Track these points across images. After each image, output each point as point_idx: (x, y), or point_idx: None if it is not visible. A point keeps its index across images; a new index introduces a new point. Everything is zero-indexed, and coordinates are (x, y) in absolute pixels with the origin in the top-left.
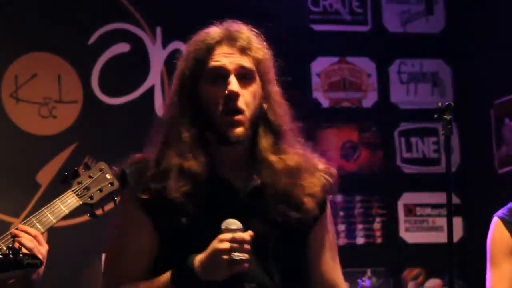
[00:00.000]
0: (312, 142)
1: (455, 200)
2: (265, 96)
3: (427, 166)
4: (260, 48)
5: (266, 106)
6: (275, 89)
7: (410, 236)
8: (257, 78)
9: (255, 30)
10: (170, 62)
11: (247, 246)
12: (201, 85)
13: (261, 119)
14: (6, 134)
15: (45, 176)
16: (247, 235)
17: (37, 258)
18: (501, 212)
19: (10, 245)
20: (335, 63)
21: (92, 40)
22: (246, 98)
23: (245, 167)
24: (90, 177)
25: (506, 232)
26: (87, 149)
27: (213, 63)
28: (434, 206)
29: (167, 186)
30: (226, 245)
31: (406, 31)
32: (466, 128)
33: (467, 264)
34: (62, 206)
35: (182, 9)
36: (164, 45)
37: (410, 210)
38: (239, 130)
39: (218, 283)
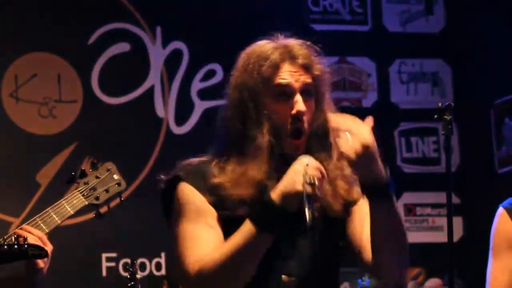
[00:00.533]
0: None
1: (455, 200)
2: (319, 112)
3: (427, 166)
4: (320, 65)
5: (320, 121)
6: (329, 104)
7: (410, 235)
8: (314, 94)
9: (310, 44)
10: (170, 62)
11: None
12: (263, 99)
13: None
14: (6, 134)
15: (45, 175)
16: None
17: (42, 249)
18: (507, 202)
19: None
20: (335, 63)
21: (92, 40)
22: (307, 115)
23: None
24: (97, 177)
25: (510, 223)
26: (87, 148)
27: (280, 80)
28: (434, 206)
29: (228, 187)
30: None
31: (406, 31)
32: (466, 128)
33: (467, 263)
34: (67, 207)
35: (182, 9)
36: (164, 45)
37: (410, 209)
38: (298, 152)
39: (260, 278)
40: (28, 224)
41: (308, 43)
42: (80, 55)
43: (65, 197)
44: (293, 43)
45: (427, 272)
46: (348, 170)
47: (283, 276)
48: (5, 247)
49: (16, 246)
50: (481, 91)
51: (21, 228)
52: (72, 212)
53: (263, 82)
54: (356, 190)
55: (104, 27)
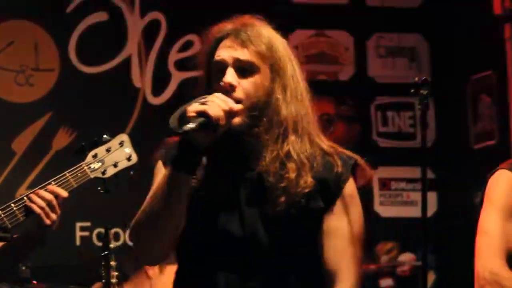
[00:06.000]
0: None
1: (430, 175)
2: (277, 88)
3: (402, 141)
4: (264, 40)
5: (278, 97)
6: (291, 82)
7: (384, 210)
8: (263, 70)
9: (264, 22)
10: (147, 32)
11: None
12: (210, 79)
13: (269, 110)
14: None
15: (21, 143)
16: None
17: (8, 232)
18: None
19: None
20: (313, 35)
21: (70, 8)
22: (246, 88)
23: (251, 156)
24: (108, 150)
25: None
26: (63, 117)
27: (216, 58)
28: (409, 180)
29: None
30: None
31: (384, 5)
32: (443, 103)
33: (441, 239)
34: (71, 180)
35: None
36: (142, 15)
37: (384, 184)
38: (237, 120)
39: (227, 262)
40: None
41: (264, 20)
42: (58, 24)
43: (70, 170)
44: (245, 20)
45: (400, 246)
46: (297, 156)
47: (249, 260)
48: None
49: None
50: (458, 67)
51: (32, 193)
52: (75, 185)
53: (206, 61)
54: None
55: None
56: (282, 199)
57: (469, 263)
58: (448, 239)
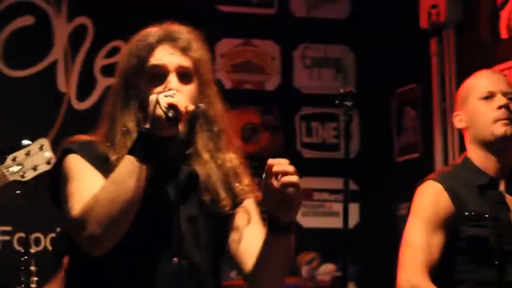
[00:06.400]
0: None
1: (353, 186)
2: (203, 95)
3: (326, 152)
4: (200, 49)
5: (204, 105)
6: (213, 90)
7: (306, 220)
8: (195, 79)
9: (195, 31)
10: (74, 37)
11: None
12: (141, 82)
13: (199, 117)
14: None
15: None
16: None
17: None
18: (441, 179)
19: None
20: (239, 44)
21: None
22: (186, 95)
23: (185, 159)
24: (27, 154)
25: (449, 204)
26: None
27: (154, 62)
28: (332, 191)
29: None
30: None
31: (311, 16)
32: (367, 115)
33: (362, 250)
34: None
35: None
36: (69, 19)
37: (307, 194)
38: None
39: (151, 259)
40: None
41: (192, 28)
42: None
43: None
44: (175, 26)
45: (321, 257)
46: (238, 166)
47: (174, 259)
48: None
49: None
50: (383, 79)
51: None
52: None
53: (138, 65)
54: (242, 189)
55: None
56: (223, 203)
57: (390, 275)
58: (369, 251)
